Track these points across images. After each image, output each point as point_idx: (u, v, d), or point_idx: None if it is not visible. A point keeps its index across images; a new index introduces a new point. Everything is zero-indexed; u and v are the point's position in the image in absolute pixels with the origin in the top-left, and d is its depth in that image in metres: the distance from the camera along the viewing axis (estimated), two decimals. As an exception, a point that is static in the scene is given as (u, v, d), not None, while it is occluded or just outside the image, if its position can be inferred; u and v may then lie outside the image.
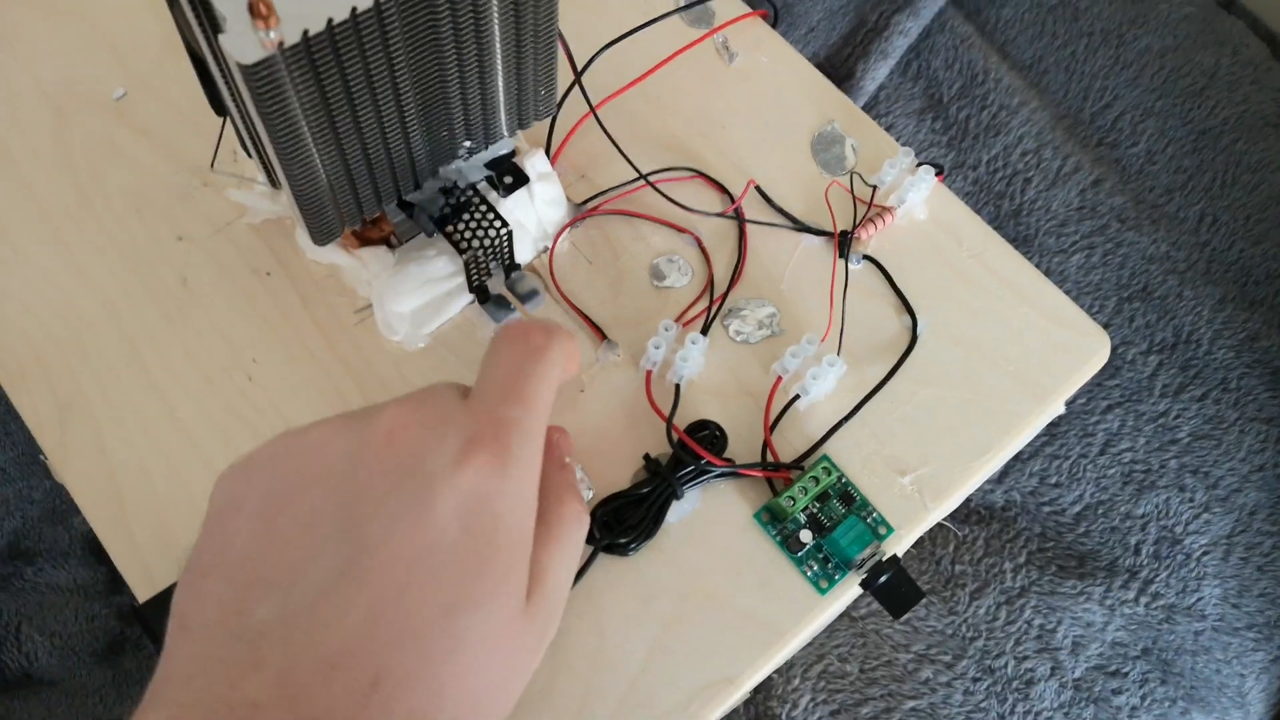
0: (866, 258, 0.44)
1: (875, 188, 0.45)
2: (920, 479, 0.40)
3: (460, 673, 0.25)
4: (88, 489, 0.38)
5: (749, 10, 0.50)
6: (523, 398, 0.28)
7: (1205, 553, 0.62)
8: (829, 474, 0.39)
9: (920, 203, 0.45)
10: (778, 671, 0.61)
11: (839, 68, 0.73)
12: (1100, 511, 0.63)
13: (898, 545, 0.39)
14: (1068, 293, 0.68)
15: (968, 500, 0.65)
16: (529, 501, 0.27)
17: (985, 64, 0.74)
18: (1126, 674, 0.60)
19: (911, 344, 0.42)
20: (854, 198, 0.45)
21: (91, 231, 0.43)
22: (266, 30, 0.29)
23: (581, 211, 0.44)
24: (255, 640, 0.24)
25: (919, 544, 0.64)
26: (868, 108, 0.73)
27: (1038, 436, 0.65)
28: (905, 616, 0.62)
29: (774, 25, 0.51)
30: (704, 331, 0.42)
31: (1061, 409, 0.46)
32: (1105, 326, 0.67)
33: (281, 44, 0.29)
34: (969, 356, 0.42)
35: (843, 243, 0.44)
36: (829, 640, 0.61)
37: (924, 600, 0.61)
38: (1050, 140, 0.71)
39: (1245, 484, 0.63)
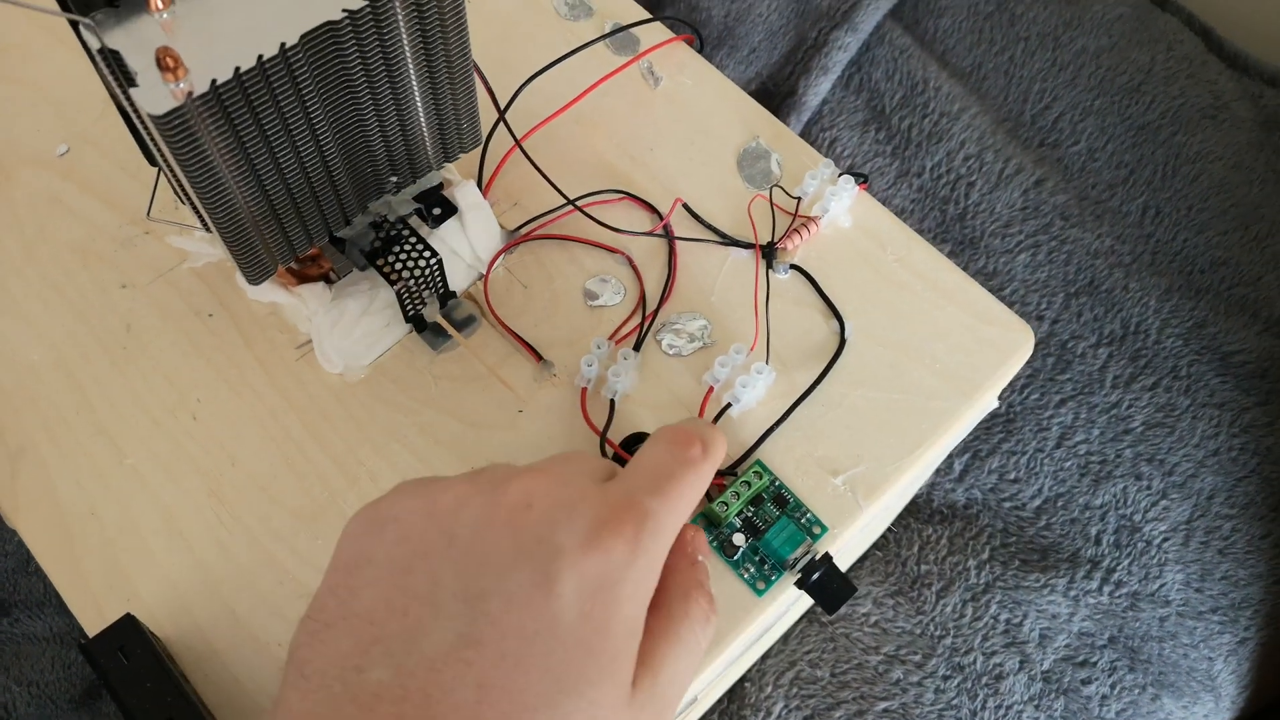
0: (794, 267, 0.45)
1: (799, 199, 0.46)
2: (853, 478, 0.41)
3: None
4: (39, 534, 0.39)
5: (673, 35, 0.51)
6: (666, 494, 0.29)
7: (1165, 539, 0.63)
8: (761, 478, 0.40)
9: (844, 211, 0.46)
10: (750, 680, 0.61)
11: (781, 85, 0.75)
12: (1060, 504, 0.64)
13: (833, 544, 0.40)
14: (1014, 291, 0.70)
15: (930, 500, 0.66)
16: (647, 594, 0.28)
17: (925, 73, 0.75)
18: (1095, 663, 0.61)
19: (840, 348, 0.43)
20: (776, 209, 0.46)
21: (37, 283, 0.44)
22: (175, 81, 0.30)
23: (514, 238, 0.45)
24: (370, 702, 0.24)
25: (883, 546, 0.65)
26: (811, 122, 0.75)
27: (994, 433, 0.66)
28: (874, 619, 0.63)
29: (700, 50, 0.52)
30: (636, 347, 0.43)
31: (994, 403, 0.47)
32: (1053, 323, 0.69)
33: (190, 94, 0.31)
34: (897, 357, 0.43)
35: (766, 254, 0.45)
36: (799, 646, 0.62)
37: (860, 594, 0.62)
38: (992, 144, 0.73)
39: (1201, 469, 0.64)
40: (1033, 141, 0.75)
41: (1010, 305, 0.69)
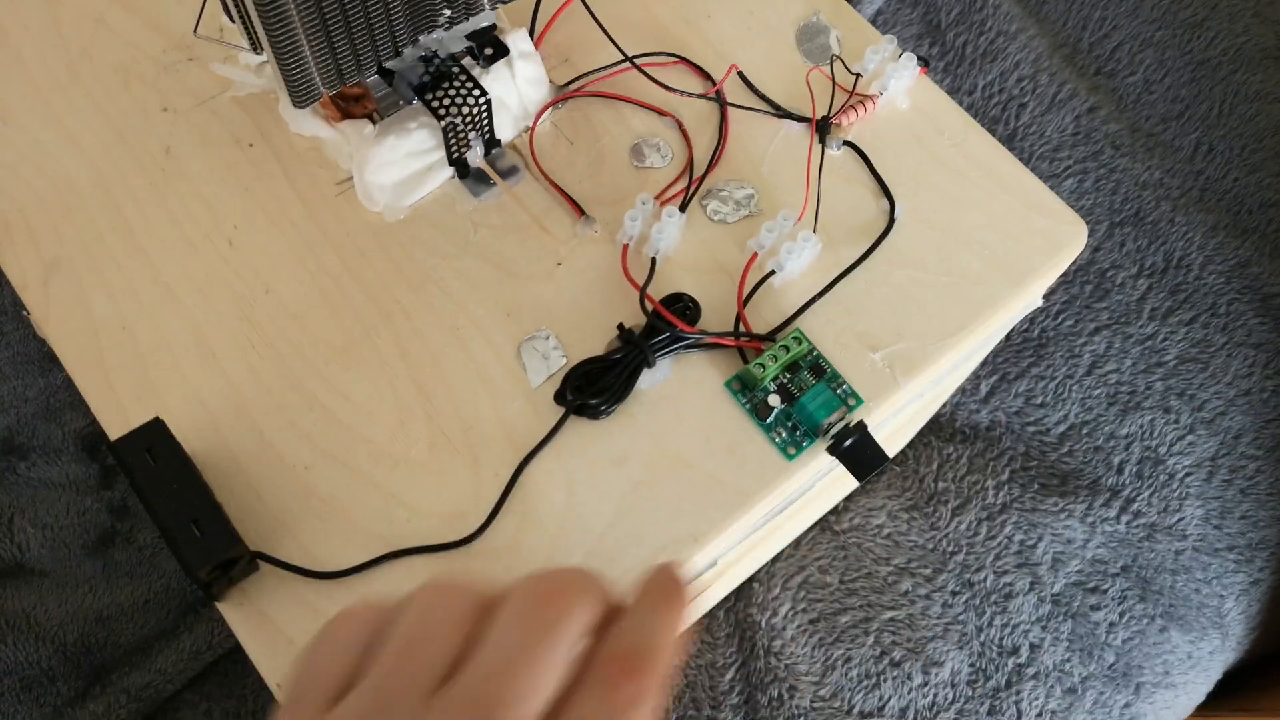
0: (847, 144, 0.44)
1: (858, 76, 0.45)
2: (892, 355, 0.40)
3: None
4: (70, 344, 0.38)
5: (738, -96, 0.50)
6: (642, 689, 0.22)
7: (1188, 474, 0.62)
8: (800, 344, 0.39)
9: (902, 92, 0.45)
10: (758, 580, 0.61)
11: (837, -8, 0.73)
12: (1084, 431, 0.63)
13: (867, 416, 0.39)
14: (1059, 216, 0.68)
15: (953, 419, 0.65)
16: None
17: (984, -9, 0.73)
18: (1105, 590, 0.61)
19: (889, 227, 0.42)
20: (834, 84, 0.45)
21: (80, 102, 0.43)
22: None
23: (563, 93, 0.44)
24: None
25: (901, 462, 0.65)
26: (865, 33, 0.73)
27: (1024, 357, 0.65)
28: (888, 531, 0.63)
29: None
30: (682, 209, 0.42)
31: (1039, 301, 0.46)
32: (1095, 250, 0.67)
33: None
34: (946, 240, 0.42)
35: (821, 128, 0.44)
36: (810, 552, 0.62)
37: (874, 506, 0.62)
38: (1047, 67, 0.71)
39: (1231, 407, 0.64)
40: (1089, 69, 0.73)
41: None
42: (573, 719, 0.21)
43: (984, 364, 0.65)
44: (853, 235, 0.42)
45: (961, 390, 0.65)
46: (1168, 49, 0.74)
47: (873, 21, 0.73)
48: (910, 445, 0.65)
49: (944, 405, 0.65)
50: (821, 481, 0.42)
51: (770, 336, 0.40)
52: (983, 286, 0.42)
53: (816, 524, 0.63)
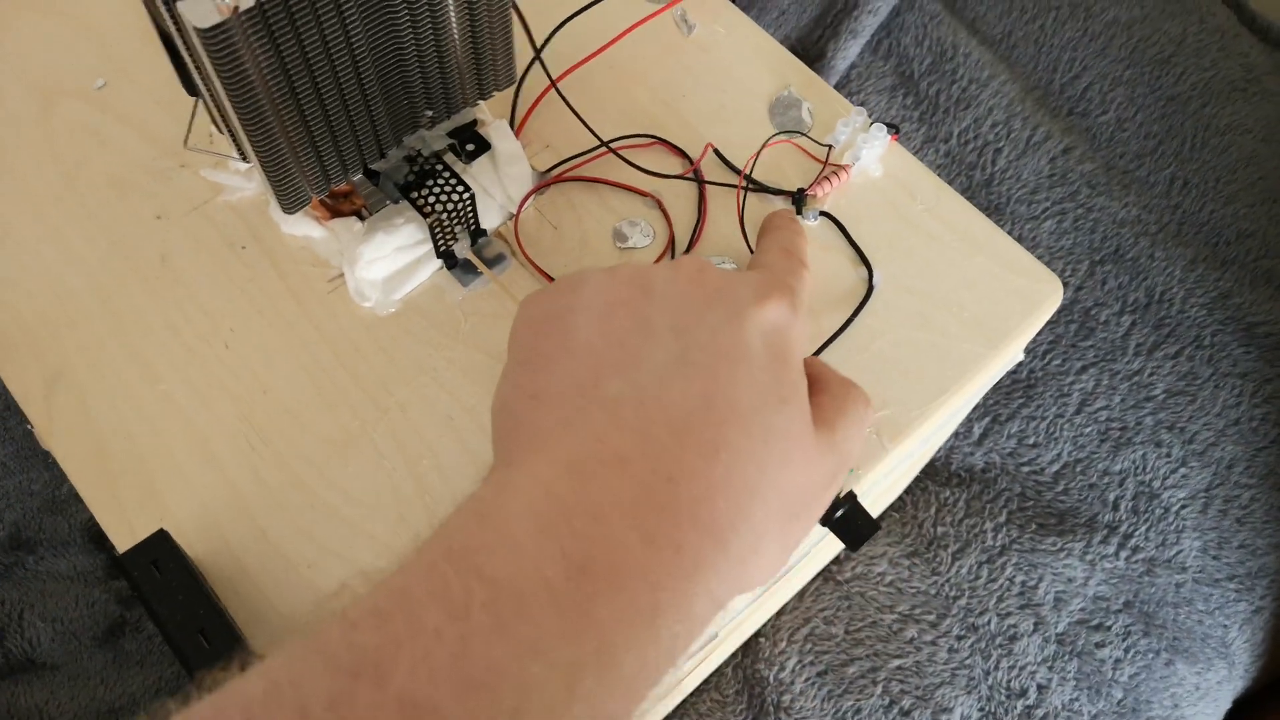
0: (824, 214, 0.45)
1: (830, 147, 0.46)
2: (879, 421, 0.41)
3: (775, 461, 0.28)
4: (74, 455, 0.39)
5: (706, -17, 0.51)
6: (801, 265, 0.36)
7: (1184, 506, 0.63)
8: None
9: (875, 160, 0.46)
10: (764, 635, 0.62)
11: (810, 49, 0.75)
12: (1078, 469, 0.64)
13: (856, 484, 0.40)
14: (1039, 258, 0.69)
15: (948, 463, 0.66)
16: (803, 350, 0.32)
17: (954, 39, 0.75)
18: (1109, 627, 0.61)
19: (868, 294, 0.43)
20: (807, 157, 0.46)
21: (76, 212, 0.44)
22: (222, -5, 0.31)
23: (545, 179, 0.46)
24: (614, 406, 0.28)
25: (900, 508, 0.66)
26: (839, 87, 0.74)
27: (1014, 398, 0.66)
28: (890, 578, 0.63)
29: (744, 7, 0.52)
30: (665, 288, 0.43)
31: (1020, 356, 0.47)
32: (1077, 289, 0.68)
33: (237, 8, 0.31)
34: (925, 305, 0.43)
35: (797, 200, 0.45)
36: (815, 604, 0.63)
37: (876, 554, 0.62)
38: (1020, 111, 0.72)
39: (1221, 438, 0.64)
40: (1061, 110, 0.75)
41: (1034, 271, 0.69)
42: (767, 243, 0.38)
43: (975, 408, 0.66)
44: (833, 304, 0.43)
45: (955, 434, 0.66)
46: (1138, 86, 0.75)
47: (846, 75, 0.74)
48: (908, 491, 0.66)
49: (939, 450, 0.66)
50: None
51: (758, 410, 0.41)
52: (963, 348, 0.43)
53: (819, 574, 0.64)
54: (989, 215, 0.71)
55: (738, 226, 0.45)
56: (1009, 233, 0.70)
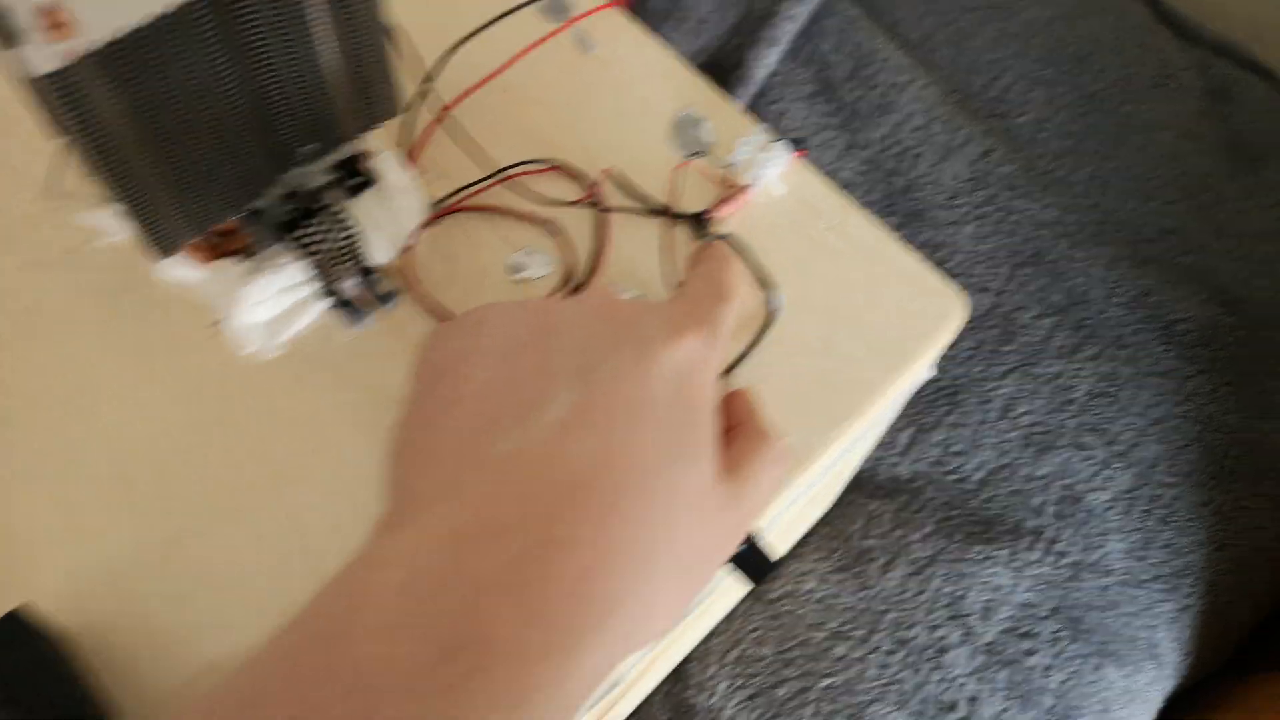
0: (725, 236, 0.44)
1: (731, 167, 0.45)
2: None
3: (675, 522, 0.27)
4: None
5: (606, 1, 0.50)
6: (722, 297, 0.34)
7: (1108, 508, 0.63)
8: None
9: (776, 179, 0.45)
10: (694, 660, 0.61)
11: (728, 58, 0.74)
12: (1003, 476, 0.64)
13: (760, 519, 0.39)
14: (960, 263, 0.69)
15: (875, 475, 0.66)
16: (717, 385, 0.31)
17: (873, 44, 0.75)
18: (1038, 634, 0.61)
19: (769, 318, 0.42)
20: (709, 178, 0.45)
21: (-62, 261, 0.42)
22: (63, 40, 0.29)
23: (439, 209, 0.44)
24: (502, 467, 0.27)
25: (828, 522, 0.65)
26: (759, 95, 0.74)
27: (938, 406, 0.66)
28: (819, 595, 0.63)
29: (638, 14, 0.51)
30: (562, 321, 0.42)
31: (930, 372, 0.46)
32: (998, 294, 0.68)
33: (80, 54, 0.29)
34: (828, 327, 0.43)
35: (698, 224, 0.44)
36: (744, 625, 0.62)
37: (804, 571, 0.62)
38: (939, 115, 0.72)
39: (1143, 438, 0.65)
40: (981, 112, 0.75)
41: (955, 277, 0.69)
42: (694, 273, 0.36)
43: (901, 417, 0.65)
44: (735, 329, 0.42)
45: (882, 445, 0.65)
46: (1057, 86, 0.75)
47: (765, 84, 0.74)
48: (836, 504, 0.66)
49: (866, 462, 0.66)
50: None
51: (659, 445, 0.40)
52: (865, 372, 0.42)
53: (749, 595, 0.63)
54: (909, 221, 0.70)
55: (640, 252, 0.44)
56: (929, 239, 0.70)
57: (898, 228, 0.69)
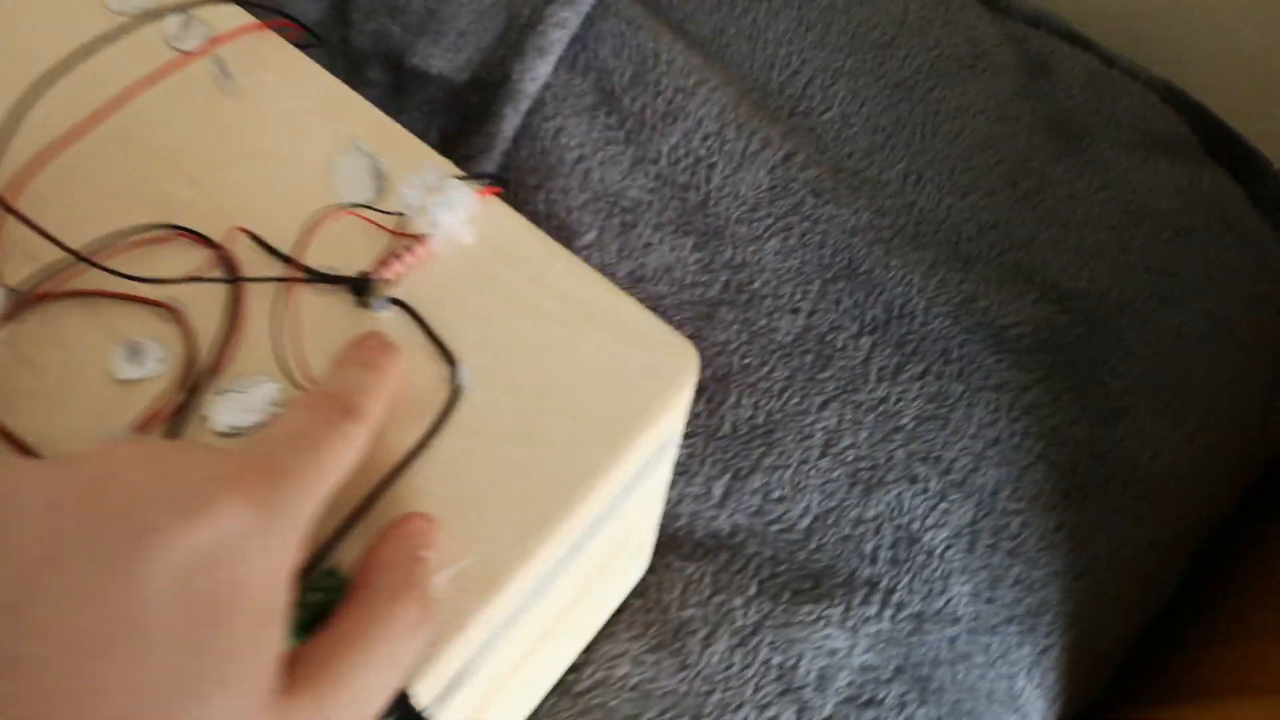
0: (395, 301, 0.35)
1: (400, 215, 0.37)
2: (463, 574, 0.31)
3: None
4: None
5: (252, 21, 0.41)
6: (315, 449, 0.26)
7: (948, 546, 0.56)
8: (334, 592, 0.30)
9: (460, 224, 0.37)
10: (489, 779, 0.52)
11: (494, 72, 0.65)
12: (830, 520, 0.56)
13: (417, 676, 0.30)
14: (765, 283, 0.62)
15: (691, 533, 0.57)
16: (285, 571, 0.24)
17: (657, 46, 0.67)
18: (882, 700, 0.54)
19: (451, 400, 0.34)
20: (377, 229, 0.36)
21: None
22: None
23: (18, 300, 0.35)
24: None
25: (642, 593, 0.57)
26: (533, 112, 0.65)
27: (754, 448, 0.58)
28: (634, 681, 0.54)
29: (301, 45, 0.42)
30: (173, 431, 0.32)
31: (672, 449, 0.38)
32: (810, 315, 0.61)
33: None
34: (528, 403, 0.34)
35: (359, 288, 0.35)
36: (548, 727, 0.53)
37: (617, 654, 0.54)
38: (733, 119, 0.65)
39: (981, 462, 0.58)
40: (781, 112, 0.67)
41: (762, 300, 0.61)
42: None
43: (712, 464, 0.57)
44: (405, 419, 0.33)
45: (695, 498, 0.57)
46: (861, 77, 0.68)
47: (540, 99, 0.65)
48: (651, 570, 0.57)
49: (680, 518, 0.57)
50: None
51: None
52: (580, 452, 0.34)
53: (554, 689, 0.54)
54: (707, 241, 0.63)
55: (286, 332, 0.35)
56: (730, 259, 0.62)
57: (695, 249, 0.61)
